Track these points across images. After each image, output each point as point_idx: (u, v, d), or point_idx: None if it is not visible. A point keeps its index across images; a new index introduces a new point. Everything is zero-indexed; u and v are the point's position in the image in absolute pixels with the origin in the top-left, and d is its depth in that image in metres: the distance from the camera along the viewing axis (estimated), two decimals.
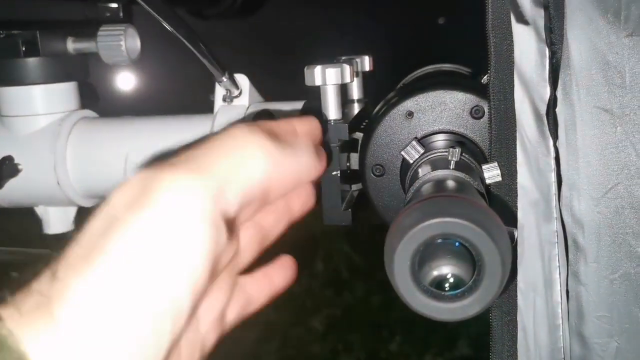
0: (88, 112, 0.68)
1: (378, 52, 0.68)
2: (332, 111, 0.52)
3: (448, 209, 0.34)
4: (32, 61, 0.63)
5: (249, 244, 0.40)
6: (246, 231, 0.40)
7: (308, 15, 1.23)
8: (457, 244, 0.34)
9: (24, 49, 0.62)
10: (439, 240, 0.34)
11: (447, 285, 0.34)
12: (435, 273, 0.34)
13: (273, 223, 0.42)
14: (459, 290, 0.34)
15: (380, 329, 1.67)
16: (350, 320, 1.69)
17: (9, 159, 0.63)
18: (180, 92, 1.10)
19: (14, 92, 0.64)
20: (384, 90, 0.63)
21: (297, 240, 0.49)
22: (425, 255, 0.34)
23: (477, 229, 0.33)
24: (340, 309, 1.70)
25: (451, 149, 0.45)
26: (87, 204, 0.67)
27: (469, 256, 0.34)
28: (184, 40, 0.53)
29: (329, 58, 0.59)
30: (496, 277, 0.33)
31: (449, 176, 0.43)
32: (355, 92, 0.66)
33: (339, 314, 1.70)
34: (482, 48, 0.47)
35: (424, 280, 0.34)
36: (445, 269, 0.34)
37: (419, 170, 0.47)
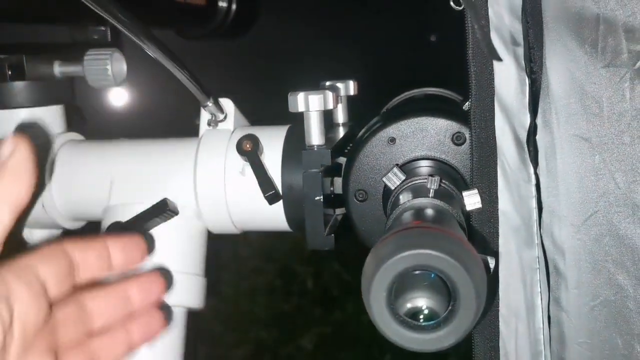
0: (74, 135, 0.68)
1: (368, 73, 0.69)
2: (315, 137, 0.53)
3: (423, 240, 0.34)
4: (18, 85, 0.63)
5: None
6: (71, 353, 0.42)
7: (295, 38, 1.24)
8: (432, 275, 0.34)
9: (10, 73, 0.62)
10: (417, 272, 0.34)
11: (421, 317, 0.34)
12: (409, 305, 0.34)
13: (106, 348, 0.44)
14: (434, 322, 0.34)
15: (370, 347, 1.66)
16: (340, 338, 1.68)
17: None
18: (168, 114, 1.10)
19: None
20: (372, 110, 0.64)
21: None
22: (401, 286, 0.34)
23: (451, 260, 0.33)
24: (330, 327, 1.69)
25: (430, 178, 0.45)
26: (72, 226, 0.67)
27: (445, 287, 0.34)
28: (168, 66, 0.53)
29: (315, 82, 0.60)
30: (471, 308, 0.33)
31: (428, 205, 0.43)
32: (340, 116, 0.66)
33: (329, 332, 1.69)
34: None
35: (399, 310, 0.35)
36: (420, 302, 0.34)
37: (400, 197, 0.48)
